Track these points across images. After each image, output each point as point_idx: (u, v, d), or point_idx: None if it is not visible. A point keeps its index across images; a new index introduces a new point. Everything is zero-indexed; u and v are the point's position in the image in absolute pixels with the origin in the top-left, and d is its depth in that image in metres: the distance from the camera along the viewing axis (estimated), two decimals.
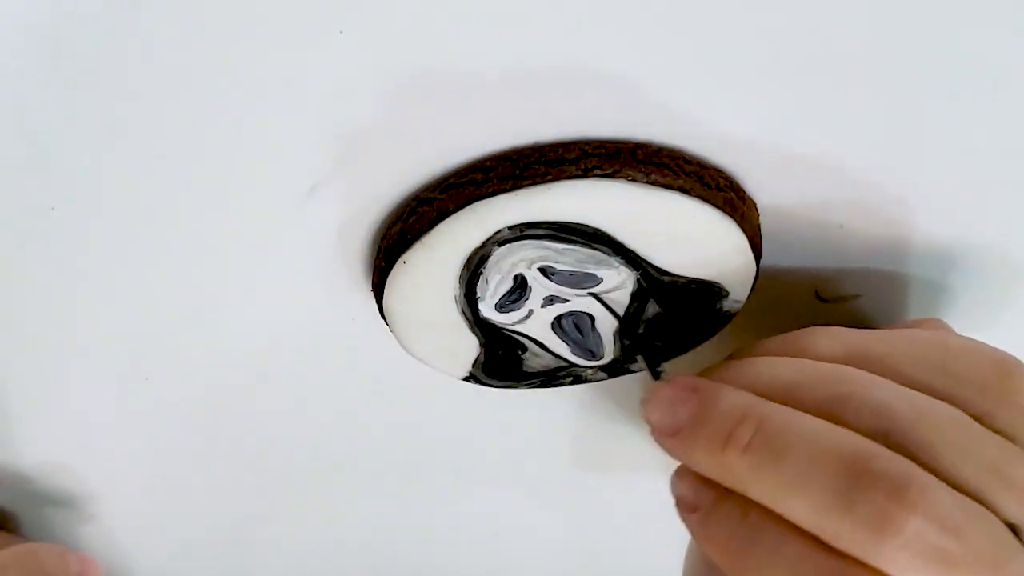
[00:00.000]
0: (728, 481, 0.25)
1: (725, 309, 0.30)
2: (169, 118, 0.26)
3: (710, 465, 0.25)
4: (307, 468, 0.40)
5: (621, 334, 0.31)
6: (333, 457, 0.40)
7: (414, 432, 0.38)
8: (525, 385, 0.33)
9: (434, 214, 0.28)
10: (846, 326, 0.33)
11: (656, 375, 0.30)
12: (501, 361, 0.31)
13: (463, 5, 0.24)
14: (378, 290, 0.30)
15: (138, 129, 0.27)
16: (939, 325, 0.30)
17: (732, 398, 0.25)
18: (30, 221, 0.29)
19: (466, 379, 0.32)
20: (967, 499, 0.23)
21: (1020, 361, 0.25)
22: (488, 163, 0.28)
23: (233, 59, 0.25)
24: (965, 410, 0.24)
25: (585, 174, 0.27)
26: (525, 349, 0.31)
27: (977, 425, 0.24)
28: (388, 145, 0.27)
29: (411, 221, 0.28)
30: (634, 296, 0.29)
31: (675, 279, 0.29)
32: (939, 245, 0.31)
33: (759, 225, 0.30)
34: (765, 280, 0.31)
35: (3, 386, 0.35)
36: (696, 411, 0.26)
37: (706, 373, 0.28)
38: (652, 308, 0.30)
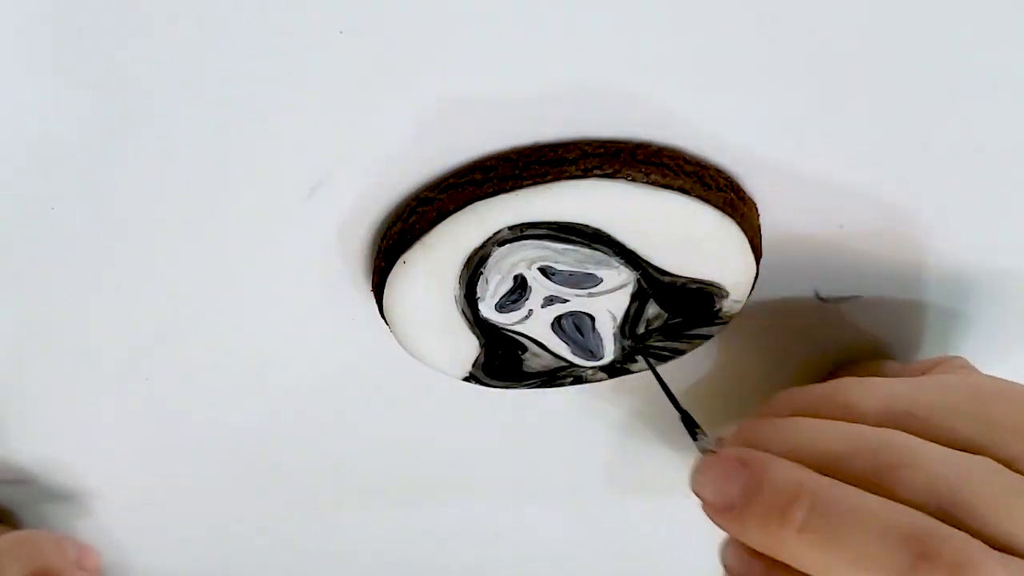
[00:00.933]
0: (782, 557, 0.25)
1: (725, 309, 0.30)
2: (169, 119, 0.26)
3: (763, 542, 0.25)
4: (307, 468, 0.40)
5: (621, 334, 0.31)
6: (333, 457, 0.40)
7: (414, 432, 0.38)
8: (525, 385, 0.33)
9: (434, 214, 0.28)
10: (847, 327, 0.33)
11: (695, 436, 0.29)
12: (501, 361, 0.31)
13: (463, 6, 0.24)
14: (378, 290, 0.30)
15: (138, 130, 0.27)
16: (963, 365, 0.31)
17: (783, 473, 0.25)
18: (30, 221, 0.29)
19: (466, 379, 0.32)
20: (1019, 562, 0.23)
21: None
22: (488, 163, 0.28)
23: (233, 60, 0.25)
24: (998, 455, 0.25)
25: (585, 174, 0.27)
26: (525, 349, 0.31)
27: (1014, 476, 0.24)
28: (388, 145, 0.27)
29: (411, 221, 0.28)
30: (634, 296, 0.29)
31: (675, 279, 0.29)
32: (939, 245, 0.31)
33: (759, 225, 0.30)
34: (765, 280, 0.31)
35: (3, 385, 0.35)
36: (747, 487, 0.25)
37: (747, 435, 0.27)
38: (652, 308, 0.30)
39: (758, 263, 0.30)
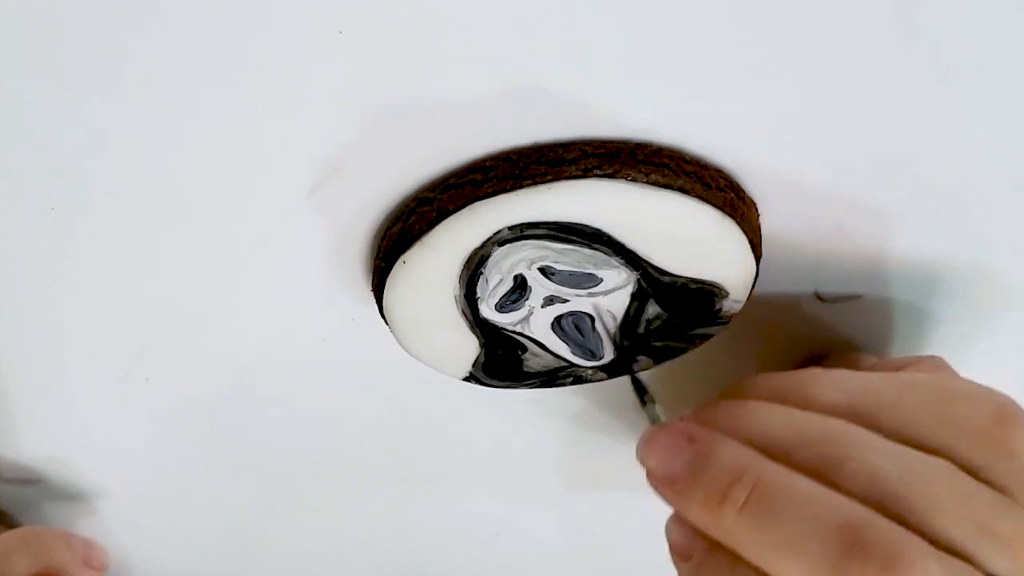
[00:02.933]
0: (721, 538, 0.25)
1: (725, 309, 0.30)
2: (169, 119, 0.26)
3: (704, 519, 0.25)
4: (306, 468, 0.40)
5: (621, 334, 0.31)
6: (332, 457, 0.40)
7: (414, 432, 0.38)
8: (525, 385, 0.33)
9: (434, 214, 0.28)
10: (847, 327, 0.33)
11: (643, 401, 0.29)
12: (501, 361, 0.31)
13: (463, 6, 0.24)
14: (378, 290, 0.30)
15: (138, 130, 0.27)
16: (939, 365, 0.30)
17: (729, 453, 0.25)
18: (30, 221, 0.29)
19: (466, 379, 0.32)
20: (957, 562, 0.23)
21: (1019, 408, 0.26)
22: (488, 163, 0.28)
23: (233, 60, 0.25)
24: (960, 461, 0.24)
25: (585, 174, 0.27)
26: (525, 349, 0.31)
27: (969, 481, 0.24)
28: (388, 145, 0.27)
29: (411, 221, 0.28)
30: (634, 296, 0.29)
31: (675, 279, 0.29)
32: (939, 245, 0.31)
33: (759, 225, 0.30)
34: (765, 280, 0.31)
35: (4, 385, 0.35)
36: (692, 463, 0.25)
37: (703, 413, 0.27)
38: (652, 308, 0.30)
39: (758, 263, 0.30)
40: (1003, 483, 0.24)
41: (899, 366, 0.31)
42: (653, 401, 0.29)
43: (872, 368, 0.32)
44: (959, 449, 0.25)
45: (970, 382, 0.27)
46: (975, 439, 0.25)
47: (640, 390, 0.29)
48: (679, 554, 0.27)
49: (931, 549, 0.23)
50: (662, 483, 0.26)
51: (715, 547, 0.25)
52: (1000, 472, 0.24)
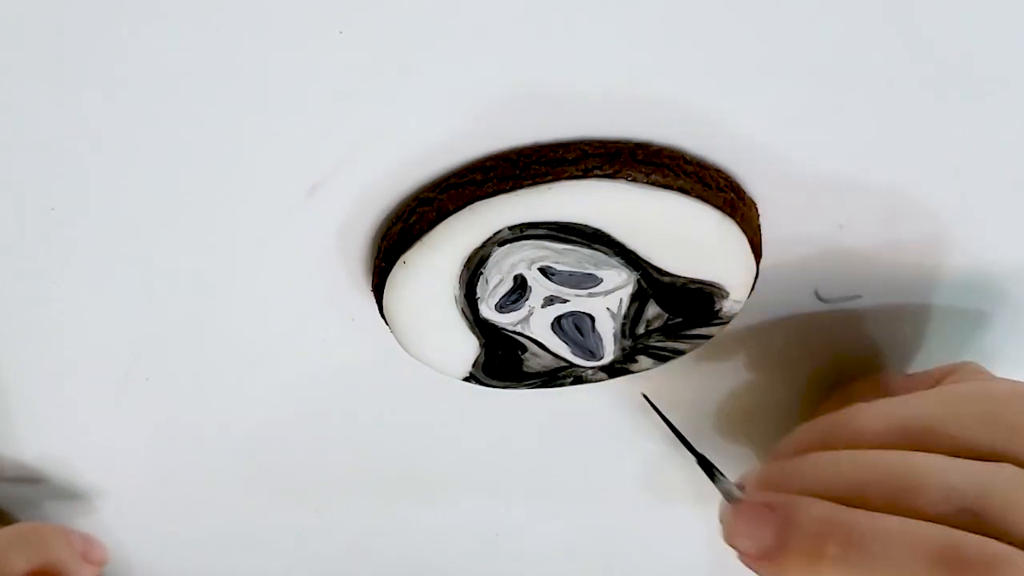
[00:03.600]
0: None
1: (725, 309, 0.30)
2: (169, 119, 0.26)
3: None
4: (306, 468, 0.40)
5: (621, 334, 0.31)
6: (332, 457, 0.40)
7: (414, 432, 0.38)
8: (525, 385, 0.33)
9: (434, 214, 0.28)
10: (847, 328, 0.33)
11: (712, 477, 0.29)
12: (501, 361, 0.31)
13: (463, 6, 0.24)
14: (378, 290, 0.30)
15: (138, 129, 0.27)
16: (976, 370, 0.31)
17: (811, 510, 0.25)
18: (30, 221, 0.29)
19: (466, 379, 0.32)
20: None
21: None
22: (488, 163, 0.28)
23: (233, 59, 0.25)
24: (1020, 459, 0.25)
25: (585, 174, 0.27)
26: (525, 349, 0.31)
27: None
28: (388, 145, 0.27)
29: (411, 221, 0.28)
30: (634, 296, 0.29)
31: (675, 279, 0.29)
32: (939, 245, 0.31)
33: (759, 225, 0.30)
34: (765, 280, 0.31)
35: (4, 385, 0.35)
36: (779, 531, 0.26)
37: (766, 477, 0.28)
38: (652, 309, 0.30)
39: (758, 263, 0.30)
40: None
41: (936, 379, 0.31)
42: (723, 475, 0.29)
43: (907, 386, 0.32)
44: (1016, 449, 0.25)
45: (1011, 381, 0.28)
46: None
47: (708, 467, 0.29)
48: None
49: (1020, 552, 0.23)
50: (757, 560, 0.26)
51: None
52: None
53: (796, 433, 0.29)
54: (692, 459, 0.29)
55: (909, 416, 0.27)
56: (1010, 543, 0.23)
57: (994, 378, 0.30)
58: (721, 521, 0.28)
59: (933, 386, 0.30)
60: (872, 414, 0.27)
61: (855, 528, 0.25)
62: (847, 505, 0.25)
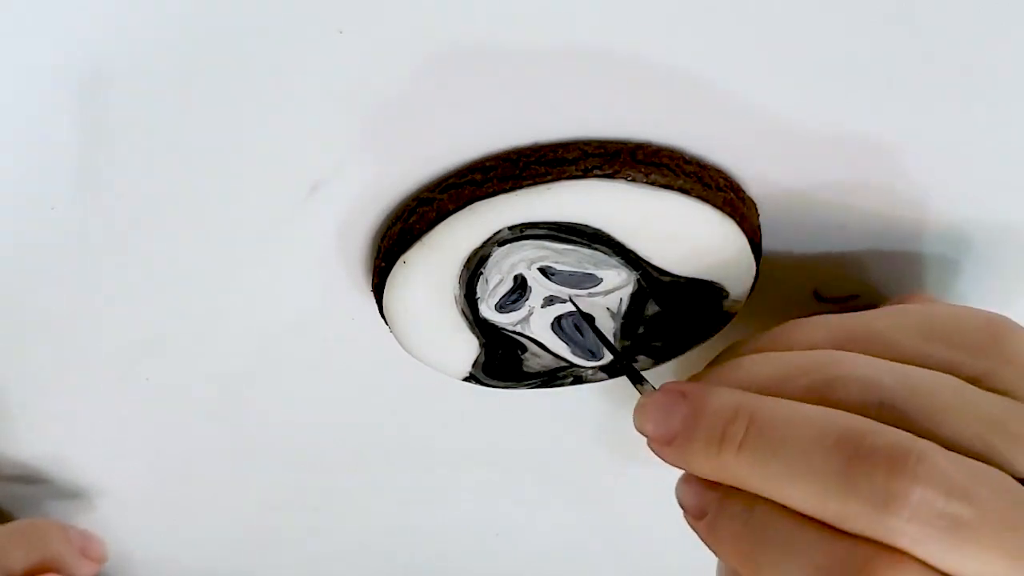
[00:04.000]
0: (729, 480, 0.24)
1: (725, 309, 0.30)
2: (168, 119, 0.26)
3: (709, 468, 0.25)
4: (306, 467, 0.40)
5: (621, 334, 0.31)
6: (332, 456, 0.40)
7: (414, 432, 0.38)
8: (525, 385, 0.33)
9: (434, 214, 0.28)
10: None
11: (640, 388, 0.29)
12: (501, 361, 0.31)
13: (463, 5, 0.24)
14: (378, 290, 0.30)
15: (138, 129, 0.27)
16: (926, 298, 0.30)
17: (721, 397, 0.25)
18: (30, 221, 0.29)
19: (466, 379, 0.32)
20: (971, 460, 0.22)
21: (1009, 319, 0.25)
22: (488, 163, 0.28)
23: (233, 59, 0.25)
24: (960, 375, 0.24)
25: (585, 174, 0.27)
26: (525, 349, 0.31)
27: (973, 388, 0.24)
28: (388, 145, 0.27)
29: (411, 221, 0.28)
30: (634, 296, 0.29)
31: (675, 279, 0.29)
32: (940, 245, 0.31)
33: (759, 225, 0.30)
34: (765, 280, 0.31)
35: (4, 385, 0.35)
36: (687, 415, 0.25)
37: (694, 378, 0.28)
38: (652, 308, 0.30)
39: (758, 263, 0.30)
40: (1007, 388, 0.24)
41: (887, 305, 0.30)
42: (648, 381, 0.29)
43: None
44: (958, 362, 0.24)
45: (957, 305, 0.27)
46: (972, 352, 0.24)
47: (636, 378, 0.29)
48: (693, 514, 0.26)
49: (940, 447, 0.22)
50: (661, 444, 0.26)
51: (726, 495, 0.25)
52: (1004, 379, 0.24)
53: (733, 343, 0.28)
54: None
55: (845, 325, 0.26)
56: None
57: (942, 303, 0.29)
58: (634, 413, 0.27)
59: None
60: (807, 325, 0.27)
61: (763, 412, 0.24)
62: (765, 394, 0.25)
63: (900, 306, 0.27)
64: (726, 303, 0.30)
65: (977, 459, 0.22)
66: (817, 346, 0.26)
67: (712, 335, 0.32)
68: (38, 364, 0.35)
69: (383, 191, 0.29)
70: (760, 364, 0.26)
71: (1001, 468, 0.22)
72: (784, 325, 0.27)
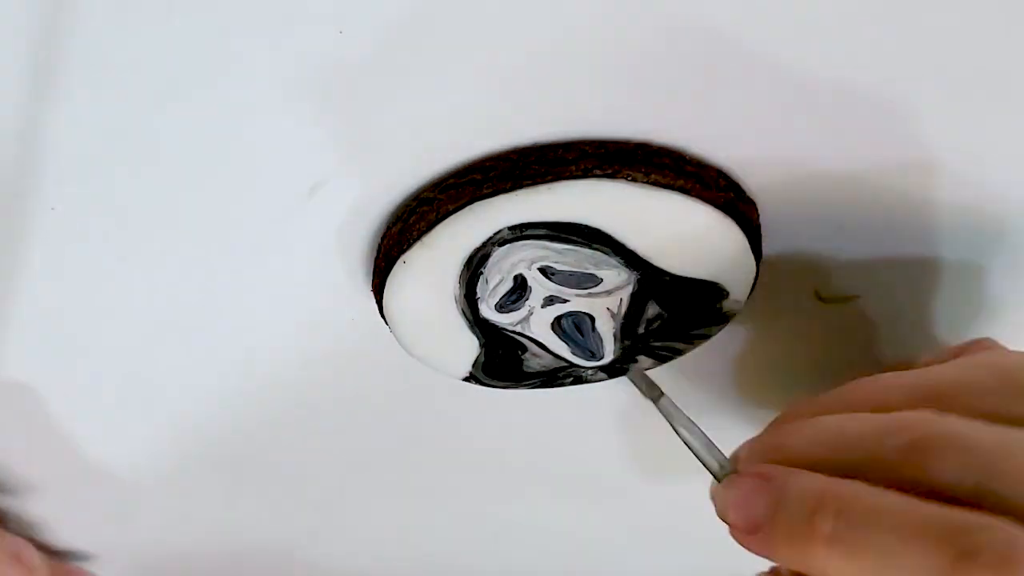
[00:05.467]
0: (816, 573, 0.23)
1: (725, 309, 0.30)
2: (168, 119, 0.26)
3: (795, 560, 0.23)
4: (306, 468, 0.40)
5: (621, 334, 0.31)
6: (332, 457, 0.40)
7: (413, 432, 0.38)
8: (525, 385, 0.33)
9: (434, 214, 0.28)
10: (847, 327, 0.33)
11: (656, 398, 0.29)
12: (501, 361, 0.31)
13: (463, 5, 0.24)
14: (378, 290, 0.30)
15: (138, 130, 0.27)
16: (990, 345, 0.28)
17: (804, 482, 0.24)
18: (30, 221, 0.29)
19: (466, 379, 0.32)
20: None
21: None
22: (488, 163, 0.28)
23: (233, 59, 0.25)
24: None
25: (585, 174, 0.27)
26: (525, 349, 0.31)
27: None
28: (388, 145, 0.27)
29: (411, 221, 0.28)
30: (634, 296, 0.29)
31: (675, 279, 0.29)
32: (940, 245, 0.31)
33: (759, 225, 0.30)
34: (765, 280, 0.31)
35: (4, 385, 0.35)
36: (771, 503, 0.24)
37: (765, 441, 0.26)
38: (652, 308, 0.30)
39: (758, 263, 0.30)
40: None
41: (952, 354, 0.29)
42: (722, 454, 0.27)
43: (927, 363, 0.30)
44: None
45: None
46: None
47: (650, 388, 0.28)
48: None
49: None
50: (746, 534, 0.25)
51: None
52: None
53: (799, 401, 0.27)
54: (696, 459, 0.28)
55: (924, 383, 0.25)
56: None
57: (1009, 350, 0.28)
58: (712, 496, 0.26)
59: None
60: (881, 382, 0.25)
61: (851, 502, 0.22)
62: (849, 472, 0.23)
63: (971, 359, 0.26)
64: (726, 303, 0.30)
65: None
66: (895, 403, 0.24)
67: (712, 335, 0.32)
68: (38, 366, 0.35)
69: (383, 191, 0.29)
70: (842, 425, 0.24)
71: None
72: (853, 383, 0.26)
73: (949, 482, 0.22)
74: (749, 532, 0.25)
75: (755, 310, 0.32)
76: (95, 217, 0.29)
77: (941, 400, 0.24)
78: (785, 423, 0.27)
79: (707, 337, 0.32)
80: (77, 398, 0.36)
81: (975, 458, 0.22)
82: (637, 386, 0.29)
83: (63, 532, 0.43)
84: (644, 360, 0.32)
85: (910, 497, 0.22)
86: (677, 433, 0.28)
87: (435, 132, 0.27)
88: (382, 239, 0.30)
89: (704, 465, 0.27)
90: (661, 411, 0.28)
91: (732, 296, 0.30)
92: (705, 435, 0.28)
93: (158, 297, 0.32)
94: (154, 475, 0.40)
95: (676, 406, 0.28)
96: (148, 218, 0.29)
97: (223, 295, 0.32)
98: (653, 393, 0.28)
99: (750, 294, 0.30)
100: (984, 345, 0.28)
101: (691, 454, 0.27)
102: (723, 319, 0.31)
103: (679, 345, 0.32)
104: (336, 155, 0.28)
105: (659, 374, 0.33)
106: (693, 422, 0.28)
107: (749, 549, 0.25)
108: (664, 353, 0.32)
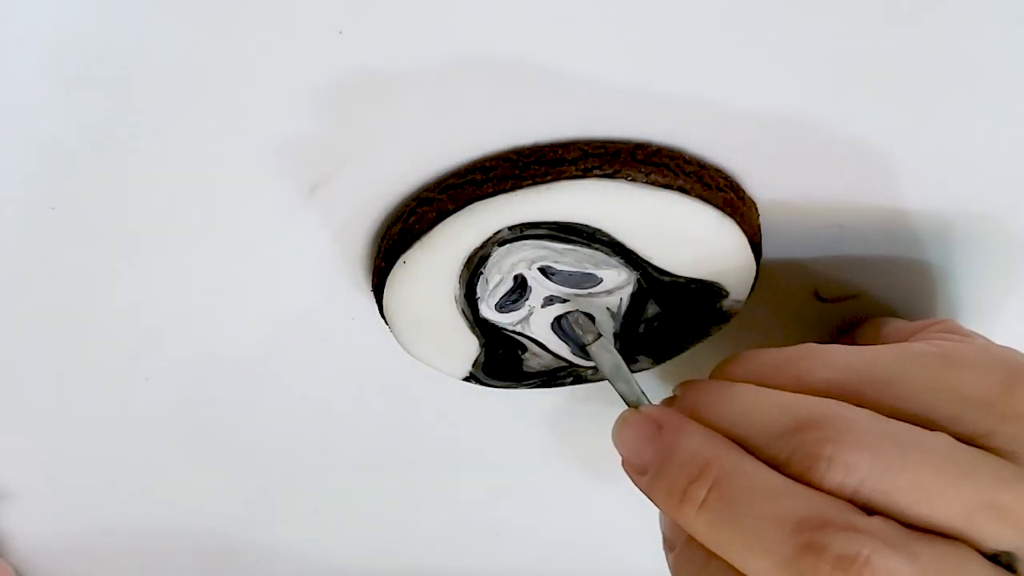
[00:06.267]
0: (688, 531, 0.24)
1: (725, 309, 0.30)
2: (169, 119, 0.26)
3: (670, 512, 0.25)
4: (306, 467, 0.40)
5: (621, 334, 0.31)
6: (332, 456, 0.40)
7: (413, 432, 0.38)
8: (525, 385, 0.33)
9: (434, 214, 0.28)
10: (847, 325, 0.33)
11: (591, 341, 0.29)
12: (501, 361, 0.31)
13: (463, 5, 0.24)
14: (378, 290, 0.30)
15: (138, 130, 0.27)
16: (949, 328, 0.28)
17: (694, 445, 0.25)
18: (30, 221, 0.29)
19: (466, 379, 0.32)
20: (940, 547, 0.22)
21: None
22: (488, 163, 0.28)
23: (233, 59, 0.25)
24: (962, 430, 0.23)
25: (585, 174, 0.27)
26: (525, 349, 0.31)
27: (969, 453, 0.23)
28: (388, 145, 0.27)
29: (411, 221, 0.28)
30: (634, 296, 0.29)
31: (675, 279, 0.29)
32: (940, 245, 0.31)
33: (759, 225, 0.30)
34: (765, 280, 0.31)
35: (3, 385, 0.35)
36: (658, 453, 0.25)
37: (686, 393, 0.27)
38: (652, 308, 0.30)
39: (758, 263, 0.30)
40: (1010, 448, 0.23)
41: (910, 331, 0.29)
42: (599, 336, 0.28)
43: (888, 336, 0.30)
44: (961, 419, 0.23)
45: (980, 346, 0.26)
46: (980, 405, 0.24)
47: (585, 332, 0.29)
48: (667, 544, 0.27)
49: (897, 546, 0.22)
50: (633, 472, 0.26)
51: (690, 539, 0.25)
52: (1007, 437, 0.23)
53: (747, 355, 0.27)
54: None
55: (855, 368, 0.25)
56: (904, 524, 0.22)
57: (964, 340, 0.27)
58: (615, 422, 0.27)
59: (906, 339, 0.29)
60: (817, 358, 0.26)
61: (731, 476, 0.24)
62: (747, 446, 0.24)
63: (916, 347, 0.26)
64: (726, 303, 0.30)
65: (952, 536, 0.22)
66: (823, 387, 0.25)
67: (712, 335, 0.32)
68: (38, 366, 0.35)
69: (383, 191, 0.29)
70: (756, 403, 0.25)
71: (978, 548, 0.22)
72: (795, 349, 0.26)
73: (833, 483, 0.23)
74: (636, 472, 0.26)
75: (755, 310, 0.32)
76: (95, 218, 0.29)
77: (866, 391, 0.24)
78: (724, 376, 0.27)
79: (707, 337, 0.32)
80: (74, 398, 0.36)
81: (866, 462, 0.23)
82: (577, 331, 0.29)
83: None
84: (644, 360, 0.32)
85: (791, 482, 0.23)
86: (603, 372, 0.29)
87: (435, 132, 0.27)
88: (382, 239, 0.30)
89: (626, 403, 0.28)
90: (591, 353, 0.29)
91: (732, 296, 0.30)
92: (634, 379, 0.28)
93: (158, 297, 0.32)
94: (148, 471, 0.40)
95: (609, 348, 0.29)
96: (148, 218, 0.29)
97: (223, 295, 0.32)
98: (587, 338, 0.29)
99: (750, 294, 0.30)
100: (942, 327, 0.28)
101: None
102: (723, 319, 0.31)
103: (679, 345, 0.32)
104: (336, 155, 0.28)
105: (659, 374, 0.33)
106: (623, 363, 0.29)
107: (635, 485, 0.26)
108: (664, 353, 0.32)
